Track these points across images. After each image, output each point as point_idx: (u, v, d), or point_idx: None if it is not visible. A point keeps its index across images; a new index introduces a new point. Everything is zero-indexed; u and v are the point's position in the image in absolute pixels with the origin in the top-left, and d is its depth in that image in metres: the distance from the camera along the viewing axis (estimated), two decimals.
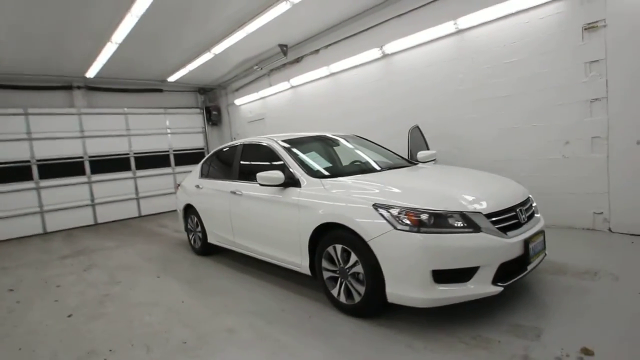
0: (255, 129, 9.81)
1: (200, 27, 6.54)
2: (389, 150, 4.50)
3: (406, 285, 2.50)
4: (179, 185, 5.83)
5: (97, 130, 9.03)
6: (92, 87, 9.07)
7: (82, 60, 7.45)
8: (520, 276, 2.62)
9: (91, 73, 8.21)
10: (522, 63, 4.77)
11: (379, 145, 4.54)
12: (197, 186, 5.01)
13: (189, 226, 5.37)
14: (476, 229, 2.48)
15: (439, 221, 2.48)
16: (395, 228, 2.51)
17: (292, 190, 3.37)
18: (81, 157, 8.86)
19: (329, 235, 2.97)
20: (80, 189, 8.90)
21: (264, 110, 9.48)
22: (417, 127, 5.52)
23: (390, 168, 3.74)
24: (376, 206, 2.64)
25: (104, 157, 9.17)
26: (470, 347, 2.32)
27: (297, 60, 8.10)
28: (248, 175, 4.17)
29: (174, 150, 10.38)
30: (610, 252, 3.77)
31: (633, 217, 4.12)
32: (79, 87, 8.88)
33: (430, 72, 5.76)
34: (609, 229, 4.30)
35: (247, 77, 9.52)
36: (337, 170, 3.66)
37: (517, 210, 2.75)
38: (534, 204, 3.13)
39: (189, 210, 5.26)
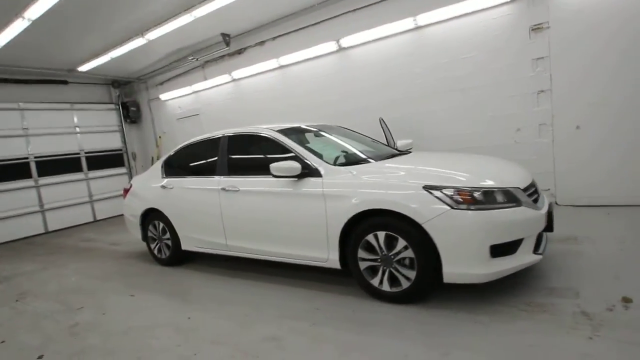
0: (187, 126, 8.98)
1: (135, 8, 5.70)
2: (377, 140, 4.54)
3: (465, 263, 2.54)
4: (127, 189, 5.00)
5: None
6: None
7: None
8: (545, 244, 2.89)
9: None
10: (477, 58, 5.27)
11: (365, 135, 4.55)
12: (164, 187, 4.36)
13: (150, 234, 4.64)
14: (518, 203, 2.65)
15: (489, 198, 2.58)
16: (452, 208, 2.53)
17: (311, 180, 3.16)
18: None
19: (367, 224, 2.86)
20: None
21: (198, 105, 8.71)
22: (382, 119, 5.69)
23: (394, 155, 3.76)
24: (427, 188, 2.63)
25: None
26: (531, 314, 2.47)
27: (239, 51, 7.64)
28: (243, 169, 3.78)
29: (86, 152, 8.89)
30: (568, 221, 4.39)
31: (574, 192, 4.89)
32: None
33: (389, 66, 5.98)
34: (556, 203, 5.03)
35: (175, 70, 8.63)
36: (348, 158, 3.53)
37: (536, 185, 3.03)
38: None
39: (151, 216, 4.55)
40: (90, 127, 9.00)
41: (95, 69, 8.12)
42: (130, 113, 9.67)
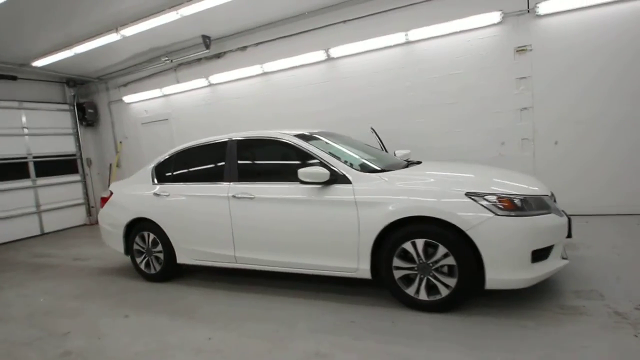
0: (155, 131, 8.40)
1: (113, 1, 5.27)
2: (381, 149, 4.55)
3: (509, 269, 2.58)
4: (105, 198, 4.50)
5: None
6: None
7: None
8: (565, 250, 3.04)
9: None
10: (465, 75, 5.54)
11: (369, 145, 4.54)
12: (157, 194, 3.98)
13: (136, 247, 4.18)
14: (549, 210, 2.76)
15: (526, 205, 2.66)
16: (496, 214, 2.57)
17: (339, 187, 3.05)
18: None
19: (404, 231, 2.80)
20: None
21: (168, 109, 8.19)
22: (373, 129, 5.75)
23: (409, 164, 3.77)
24: (470, 195, 2.65)
25: None
26: (571, 316, 2.56)
27: (218, 55, 7.35)
28: (257, 175, 3.56)
29: (35, 157, 7.93)
30: None
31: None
32: None
33: (379, 78, 6.08)
34: None
35: (144, 71, 8.07)
36: (371, 165, 3.44)
37: (553, 194, 3.19)
38: None
39: (138, 226, 4.12)
40: (41, 129, 8.06)
41: (51, 65, 7.34)
42: (87, 115, 8.83)
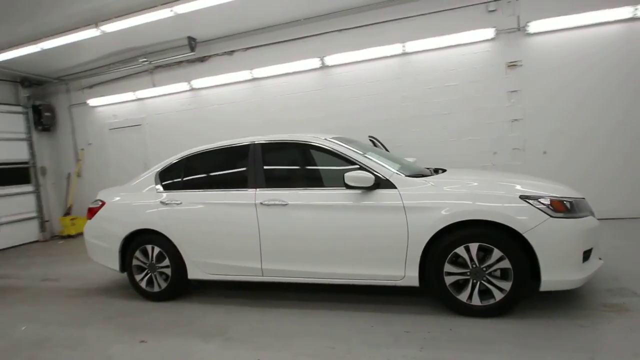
0: (125, 138, 7.75)
1: None
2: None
3: (564, 270, 2.62)
4: (94, 208, 3.98)
5: None
6: None
7: None
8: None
9: None
10: (459, 87, 5.75)
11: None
12: (166, 203, 3.59)
13: (136, 263, 3.73)
14: (590, 212, 2.88)
15: (574, 207, 2.74)
16: (551, 216, 2.61)
17: (383, 192, 2.94)
18: None
19: (457, 236, 2.76)
20: None
21: (141, 114, 7.61)
22: (374, 137, 5.75)
23: (436, 171, 3.74)
24: (524, 197, 2.68)
25: None
26: (617, 312, 2.64)
27: (202, 59, 7.00)
28: (288, 181, 3.37)
29: None
30: None
31: None
32: None
33: (375, 88, 6.13)
34: None
35: (115, 72, 7.44)
36: (409, 170, 3.36)
37: None
38: None
39: (138, 240, 3.69)
40: None
41: (5, 62, 6.52)
42: (43, 119, 7.93)
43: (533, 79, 5.44)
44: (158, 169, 3.85)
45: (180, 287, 3.67)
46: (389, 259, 2.93)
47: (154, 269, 3.68)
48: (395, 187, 2.96)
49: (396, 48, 5.86)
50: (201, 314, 3.34)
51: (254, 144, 3.50)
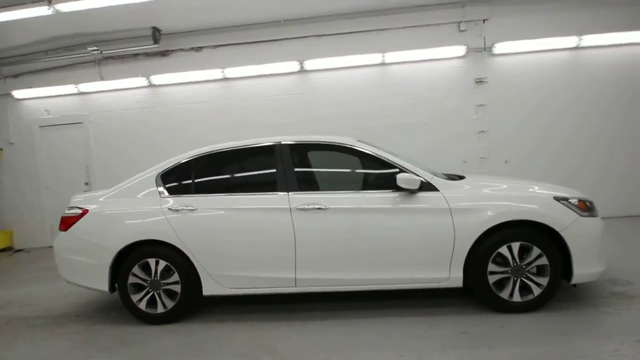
0: (60, 137, 6.67)
1: None
2: None
3: (591, 263, 2.89)
4: (72, 217, 3.32)
5: None
6: None
7: None
8: None
9: None
10: (434, 99, 6.12)
11: None
12: (176, 209, 3.13)
13: (134, 281, 3.16)
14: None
15: (593, 206, 3.07)
16: (581, 215, 2.89)
17: (428, 195, 2.96)
18: None
19: (500, 236, 2.88)
20: None
21: (84, 111, 6.61)
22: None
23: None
24: (557, 198, 2.92)
25: None
26: (628, 299, 3.00)
27: (164, 53, 6.37)
28: (323, 184, 3.20)
29: None
30: None
31: None
32: None
33: (354, 95, 6.21)
34: None
35: (51, 60, 6.35)
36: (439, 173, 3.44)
37: None
38: None
39: (137, 252, 3.15)
40: None
41: None
42: None
43: (497, 95, 6.03)
44: (159, 171, 3.35)
45: (191, 306, 3.22)
46: (434, 261, 2.95)
47: (157, 287, 3.17)
48: (437, 190, 3.00)
49: (376, 57, 6.02)
50: (224, 333, 2.97)
51: (281, 144, 3.26)
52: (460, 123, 6.11)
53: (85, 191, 6.62)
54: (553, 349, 2.42)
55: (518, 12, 5.82)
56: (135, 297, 3.19)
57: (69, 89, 6.45)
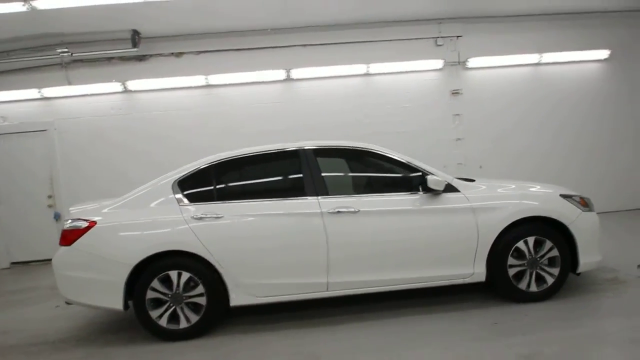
0: (19, 147, 6.03)
1: None
2: None
3: (592, 254, 3.22)
4: (79, 230, 3.02)
5: None
6: None
7: None
8: None
9: None
10: (414, 109, 6.44)
11: None
12: (200, 217, 2.98)
13: (153, 296, 2.94)
14: None
15: (590, 203, 3.42)
16: (583, 211, 3.23)
17: (452, 196, 3.15)
18: None
19: (517, 231, 3.11)
20: None
21: (49, 117, 6.03)
22: None
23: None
24: (563, 196, 3.23)
25: None
26: (620, 284, 3.38)
27: (140, 58, 6.05)
28: (347, 187, 3.27)
29: None
30: None
31: None
32: None
33: (339, 104, 6.33)
34: None
35: (10, 62, 5.73)
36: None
37: None
38: None
39: (154, 266, 2.94)
40: None
41: None
42: None
43: (471, 106, 6.50)
44: (175, 178, 3.18)
45: (216, 318, 3.07)
46: (460, 258, 3.11)
47: (179, 301, 2.98)
48: (458, 191, 3.19)
49: (361, 68, 6.23)
50: (255, 343, 2.88)
51: (304, 149, 3.26)
52: (439, 131, 6.48)
53: (49, 205, 6.03)
54: (583, 331, 2.68)
55: (487, 30, 6.36)
56: (154, 313, 2.97)
57: (31, 93, 5.86)
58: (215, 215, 3.02)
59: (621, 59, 6.52)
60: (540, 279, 3.17)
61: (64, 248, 3.04)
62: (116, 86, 5.98)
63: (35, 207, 6.03)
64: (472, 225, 3.08)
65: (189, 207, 3.07)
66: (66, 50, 5.57)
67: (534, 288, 3.16)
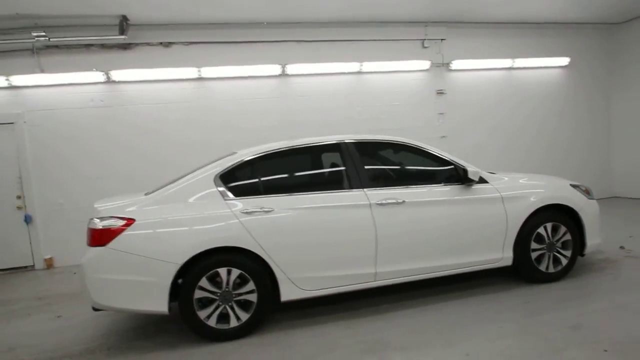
0: None
1: None
2: None
3: (596, 236, 3.64)
4: (115, 229, 2.79)
5: None
6: None
7: None
8: None
9: None
10: (403, 107, 6.71)
11: None
12: (250, 211, 2.90)
13: (201, 295, 2.80)
14: None
15: (591, 192, 3.84)
16: (588, 199, 3.64)
17: (483, 187, 3.38)
18: None
19: (538, 218, 3.42)
20: None
21: (17, 109, 5.37)
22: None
23: None
24: (572, 185, 3.62)
25: None
26: (613, 263, 3.86)
27: (125, 47, 5.63)
28: (390, 179, 3.38)
29: None
30: None
31: None
32: None
33: (334, 100, 6.40)
34: None
35: None
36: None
37: None
38: None
39: (202, 264, 2.81)
40: None
41: None
42: None
43: (454, 104, 6.91)
44: (217, 171, 3.05)
45: (264, 315, 3.00)
46: (492, 244, 3.36)
47: (228, 299, 2.87)
48: (487, 182, 3.44)
49: (354, 66, 6.34)
50: (315, 333, 2.87)
51: (345, 142, 3.31)
52: (426, 129, 6.81)
53: (18, 207, 5.40)
54: (603, 304, 3.01)
55: (468, 35, 6.81)
56: (203, 314, 2.83)
57: None
58: (265, 209, 2.95)
59: (579, 66, 7.35)
60: (556, 261, 3.53)
61: (96, 249, 2.78)
62: (97, 76, 5.49)
63: (1, 209, 5.35)
64: (502, 213, 3.34)
65: (235, 201, 2.97)
66: (43, 34, 5.01)
67: (551, 269, 3.50)
